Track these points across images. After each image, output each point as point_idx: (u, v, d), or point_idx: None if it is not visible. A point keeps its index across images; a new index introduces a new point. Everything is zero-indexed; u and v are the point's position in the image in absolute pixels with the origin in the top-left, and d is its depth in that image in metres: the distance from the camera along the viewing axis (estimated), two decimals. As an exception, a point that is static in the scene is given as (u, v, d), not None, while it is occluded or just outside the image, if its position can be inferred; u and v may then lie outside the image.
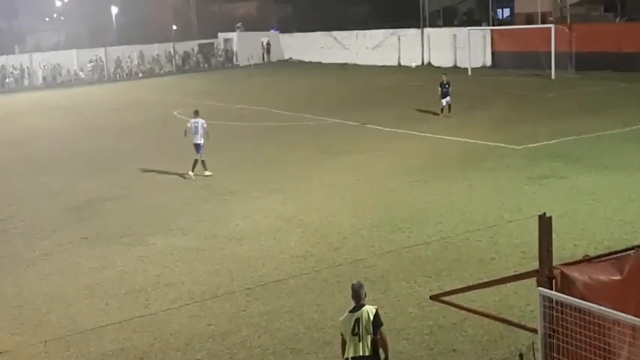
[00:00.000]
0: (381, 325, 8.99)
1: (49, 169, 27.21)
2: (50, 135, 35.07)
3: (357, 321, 8.85)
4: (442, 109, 32.51)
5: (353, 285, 9.20)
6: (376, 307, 9.13)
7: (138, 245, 17.19)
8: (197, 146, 23.79)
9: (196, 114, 24.38)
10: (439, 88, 32.72)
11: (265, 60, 74.90)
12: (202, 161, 23.77)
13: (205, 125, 23.99)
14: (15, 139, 34.05)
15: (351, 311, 9.01)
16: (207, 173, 23.69)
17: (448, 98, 32.34)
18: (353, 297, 9.11)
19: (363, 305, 8.99)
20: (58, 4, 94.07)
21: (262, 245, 16.58)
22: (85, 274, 15.52)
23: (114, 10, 77.71)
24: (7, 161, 28.82)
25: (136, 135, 33.97)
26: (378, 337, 8.93)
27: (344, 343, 9.03)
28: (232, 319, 12.69)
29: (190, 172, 23.67)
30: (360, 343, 8.83)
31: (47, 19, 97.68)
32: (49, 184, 24.60)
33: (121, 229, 18.61)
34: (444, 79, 32.81)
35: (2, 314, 13.68)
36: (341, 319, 9.15)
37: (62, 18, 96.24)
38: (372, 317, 8.86)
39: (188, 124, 24.32)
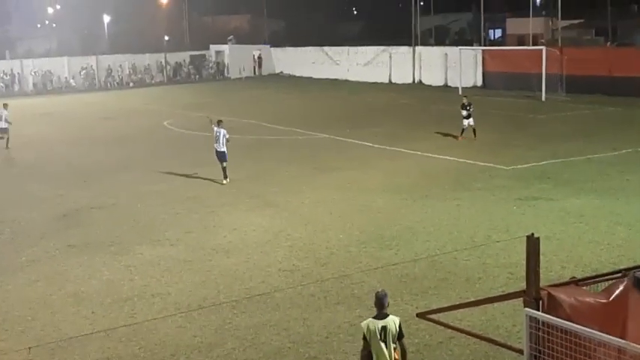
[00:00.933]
0: (404, 336, 9.26)
1: (37, 176, 27.13)
2: (40, 142, 34.97)
3: (384, 329, 9.05)
4: (462, 131, 30.94)
5: (378, 293, 9.31)
6: (399, 317, 9.35)
7: (125, 254, 17.15)
8: (219, 154, 24.50)
9: (219, 123, 24.92)
10: (461, 111, 31.04)
11: (256, 73, 75.07)
12: (224, 169, 24.40)
13: (227, 136, 24.63)
14: (3, 145, 33.88)
15: (377, 318, 9.14)
16: (224, 182, 24.34)
17: (471, 120, 30.81)
18: (376, 304, 9.25)
19: (388, 314, 9.17)
20: (50, 11, 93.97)
21: (249, 258, 16.57)
22: (71, 282, 15.46)
23: (106, 18, 77.75)
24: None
25: (126, 144, 33.92)
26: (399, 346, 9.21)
27: (367, 346, 9.12)
28: (218, 332, 12.67)
29: (224, 181, 24.34)
30: (387, 350, 9.05)
31: (39, 26, 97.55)
32: (38, 191, 24.52)
33: (109, 237, 18.57)
34: (465, 101, 31.17)
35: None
36: (366, 323, 9.19)
37: (54, 25, 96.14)
38: (397, 328, 9.11)
39: (215, 132, 24.74)
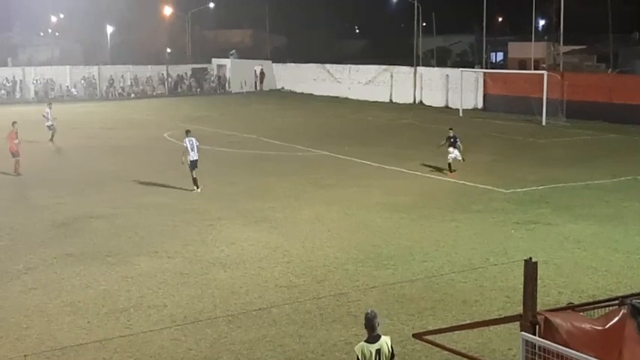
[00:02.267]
0: (395, 355, 9.20)
1: (36, 183, 27.16)
2: (39, 150, 34.94)
3: (379, 352, 8.98)
4: (450, 166, 28.28)
5: (368, 315, 9.19)
6: (389, 336, 9.29)
7: (122, 265, 17.14)
8: (194, 163, 24.98)
9: (188, 133, 25.58)
10: (445, 143, 28.65)
11: (257, 88, 75.19)
12: (195, 178, 24.96)
13: (198, 143, 25.38)
14: (2, 152, 33.85)
15: (369, 341, 9.05)
16: (197, 189, 24.98)
17: (457, 152, 28.17)
18: (367, 326, 9.15)
19: (379, 335, 9.08)
20: (54, 19, 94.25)
21: (247, 273, 16.57)
22: (67, 291, 15.45)
23: (109, 29, 77.97)
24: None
25: (125, 155, 33.98)
26: None
27: None
28: (213, 346, 12.66)
29: (197, 189, 24.95)
30: None
31: (42, 34, 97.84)
32: (36, 198, 24.56)
33: (106, 248, 18.57)
34: (451, 133, 28.63)
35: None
36: (359, 347, 9.09)
37: (57, 34, 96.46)
38: (390, 348, 9.05)
39: (185, 144, 25.22)
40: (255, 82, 75.73)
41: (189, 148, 24.94)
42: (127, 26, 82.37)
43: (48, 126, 36.43)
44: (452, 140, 28.55)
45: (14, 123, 29.41)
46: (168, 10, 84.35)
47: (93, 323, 13.67)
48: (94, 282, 15.98)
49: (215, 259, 17.61)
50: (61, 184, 26.76)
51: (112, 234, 19.96)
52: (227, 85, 74.77)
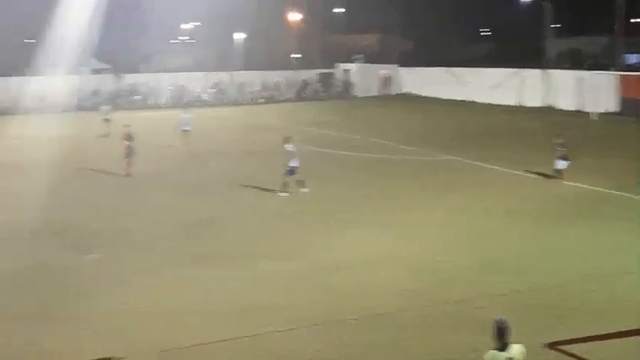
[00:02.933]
0: None
1: (165, 185, 27.99)
2: (170, 154, 35.98)
3: None
4: (560, 171, 27.11)
5: (497, 322, 9.04)
6: (522, 345, 9.08)
7: (247, 267, 17.42)
8: (296, 169, 25.35)
9: (289, 140, 26.00)
10: (558, 151, 27.44)
11: (383, 92, 75.10)
12: (299, 180, 25.42)
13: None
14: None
15: (499, 349, 8.90)
16: (301, 190, 25.36)
17: (564, 163, 27.08)
18: (496, 334, 8.98)
19: (510, 344, 8.92)
20: (185, 27, 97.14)
21: (371, 276, 16.58)
22: (194, 291, 15.85)
23: (240, 35, 79.67)
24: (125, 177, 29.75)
25: (253, 160, 34.48)
26: None
27: None
28: (340, 348, 12.74)
29: (284, 193, 25.26)
30: None
31: (175, 41, 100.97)
32: (164, 200, 25.33)
33: (232, 250, 18.96)
34: (559, 140, 27.59)
35: (117, 323, 14.16)
36: (489, 355, 8.95)
37: (191, 40, 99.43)
38: (524, 358, 8.90)
39: (290, 150, 25.57)
40: (381, 86, 75.71)
41: (291, 154, 25.33)
42: (257, 32, 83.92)
43: (185, 130, 37.13)
44: (562, 149, 27.37)
45: (126, 125, 31.04)
46: (297, 16, 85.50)
47: (222, 322, 13.98)
48: (219, 283, 16.35)
49: (340, 261, 17.70)
50: (189, 187, 27.44)
51: (236, 236, 20.36)
52: (352, 90, 75.05)
